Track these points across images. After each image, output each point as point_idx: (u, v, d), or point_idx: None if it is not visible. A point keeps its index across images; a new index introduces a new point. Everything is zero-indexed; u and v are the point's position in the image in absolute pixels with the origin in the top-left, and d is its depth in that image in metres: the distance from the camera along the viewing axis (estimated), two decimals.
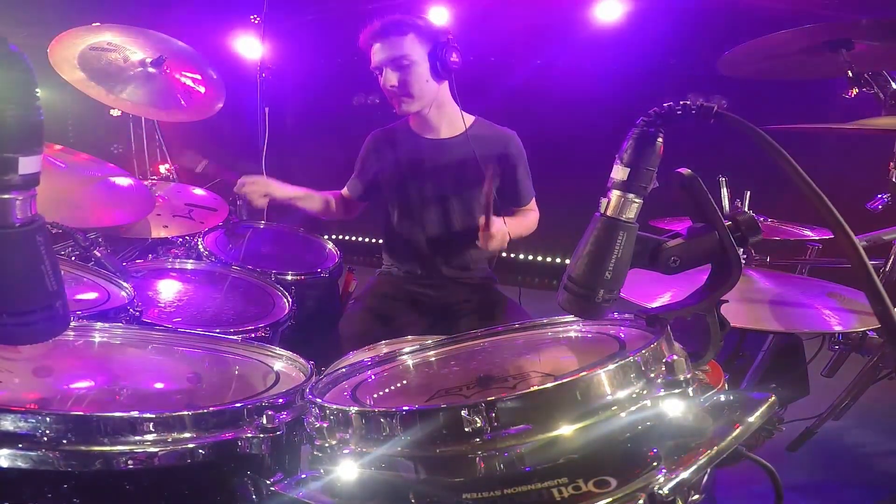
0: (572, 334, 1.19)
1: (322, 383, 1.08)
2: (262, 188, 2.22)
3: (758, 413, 0.83)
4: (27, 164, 0.74)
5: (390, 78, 2.02)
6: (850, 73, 1.80)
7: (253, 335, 1.77)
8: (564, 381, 0.79)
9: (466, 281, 2.26)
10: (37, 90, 0.73)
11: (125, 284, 1.67)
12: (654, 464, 0.75)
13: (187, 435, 0.91)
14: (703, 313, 0.94)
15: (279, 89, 3.75)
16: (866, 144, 2.05)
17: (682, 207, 0.94)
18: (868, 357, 2.10)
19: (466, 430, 0.77)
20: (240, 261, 2.29)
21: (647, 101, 0.91)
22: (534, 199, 2.29)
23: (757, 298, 1.59)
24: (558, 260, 4.87)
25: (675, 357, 0.86)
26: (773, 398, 0.86)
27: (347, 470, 0.83)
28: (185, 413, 0.92)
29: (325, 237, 2.79)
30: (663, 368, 0.86)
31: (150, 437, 0.89)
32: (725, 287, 0.91)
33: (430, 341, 1.25)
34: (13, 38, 0.72)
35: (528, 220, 2.26)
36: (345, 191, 2.45)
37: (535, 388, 0.78)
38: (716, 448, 0.77)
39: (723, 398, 0.89)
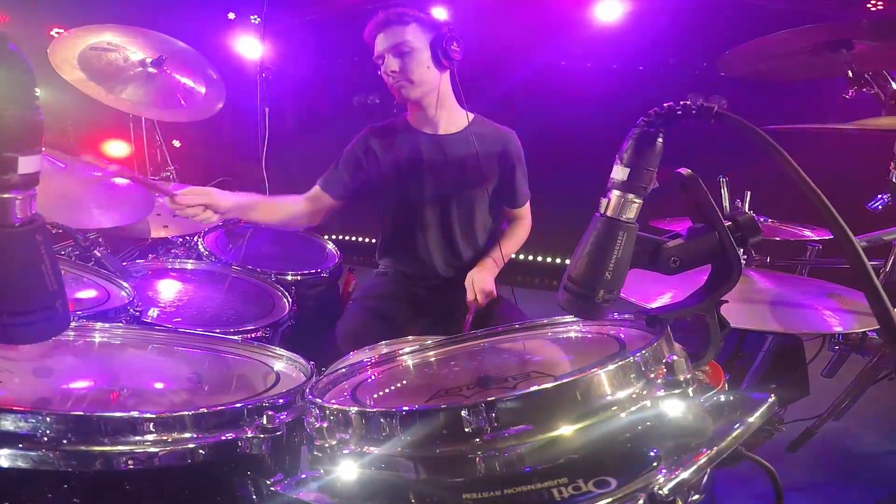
0: (572, 334, 1.19)
1: (322, 383, 1.08)
2: (200, 199, 1.85)
3: (758, 413, 0.83)
4: (26, 164, 0.74)
5: (391, 63, 2.04)
6: (850, 73, 1.80)
7: (253, 335, 1.77)
8: (564, 381, 0.79)
9: (465, 281, 2.25)
10: (36, 90, 0.73)
11: (125, 284, 1.67)
12: (654, 464, 0.75)
13: (187, 435, 0.91)
14: (703, 313, 0.94)
15: (279, 89, 3.76)
16: (866, 144, 2.05)
17: (682, 207, 0.94)
18: (868, 357, 2.10)
19: (466, 430, 0.77)
20: (240, 261, 2.29)
21: (647, 101, 0.91)
22: (528, 202, 2.29)
23: (757, 298, 1.59)
24: (558, 260, 4.87)
25: (675, 357, 0.86)
26: (773, 398, 0.86)
27: (347, 470, 0.83)
28: (185, 413, 0.92)
29: (325, 237, 2.79)
30: (663, 369, 0.86)
31: (150, 437, 0.89)
32: (725, 287, 0.91)
33: (430, 341, 1.25)
34: (13, 38, 0.72)
35: (519, 234, 2.30)
36: (316, 190, 2.22)
37: (535, 388, 0.78)
38: (716, 448, 0.77)
39: (723, 398, 0.89)
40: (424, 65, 2.05)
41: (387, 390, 1.11)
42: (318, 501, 0.81)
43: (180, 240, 2.65)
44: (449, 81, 2.15)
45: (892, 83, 1.84)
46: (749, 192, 1.97)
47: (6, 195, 0.74)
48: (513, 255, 2.29)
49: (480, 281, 2.06)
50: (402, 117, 2.27)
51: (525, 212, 2.30)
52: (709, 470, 0.77)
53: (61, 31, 2.55)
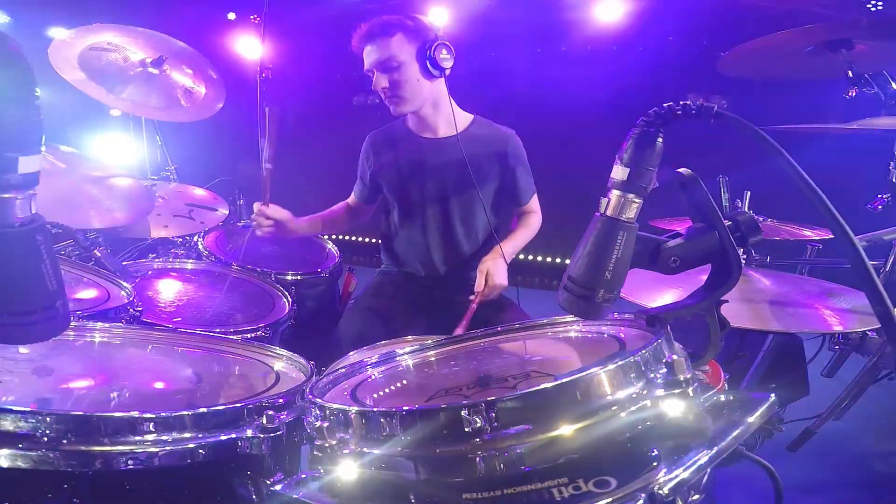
0: (572, 334, 1.19)
1: (322, 383, 1.08)
2: (271, 215, 2.10)
3: (758, 413, 0.83)
4: (27, 164, 0.74)
5: (380, 80, 2.00)
6: (850, 73, 1.81)
7: (253, 335, 1.77)
8: (564, 381, 0.79)
9: (466, 282, 2.25)
10: (36, 90, 0.73)
11: (125, 284, 1.67)
12: (654, 464, 0.75)
13: (187, 435, 0.91)
14: (703, 313, 0.94)
15: (279, 89, 3.75)
16: (866, 144, 2.06)
17: (682, 207, 0.94)
18: (868, 357, 2.10)
19: (466, 430, 0.77)
20: (240, 261, 2.29)
21: (647, 101, 0.91)
22: (535, 196, 2.28)
23: (757, 298, 1.59)
24: (558, 260, 4.87)
25: (675, 357, 0.86)
26: (773, 398, 0.86)
27: (347, 470, 0.83)
28: (185, 413, 0.92)
29: (325, 237, 2.79)
30: (663, 368, 0.86)
31: (150, 437, 0.89)
32: (725, 287, 0.91)
33: (430, 341, 1.25)
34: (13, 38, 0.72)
35: (529, 228, 2.27)
36: (351, 198, 2.41)
37: (535, 388, 0.78)
38: (716, 448, 0.77)
39: (723, 398, 0.89)
40: (414, 78, 2.00)
41: (387, 390, 1.11)
42: (318, 501, 0.81)
43: (180, 240, 2.65)
44: (444, 85, 2.12)
45: (892, 83, 1.84)
46: (749, 192, 1.97)
47: (6, 195, 0.74)
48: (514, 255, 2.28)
49: (496, 273, 1.97)
50: (401, 121, 2.27)
51: (533, 206, 2.30)
52: (709, 470, 0.77)
53: (61, 31, 2.54)
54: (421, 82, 2.03)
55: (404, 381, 1.14)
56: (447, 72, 2.04)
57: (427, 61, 1.98)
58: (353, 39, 2.05)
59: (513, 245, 2.17)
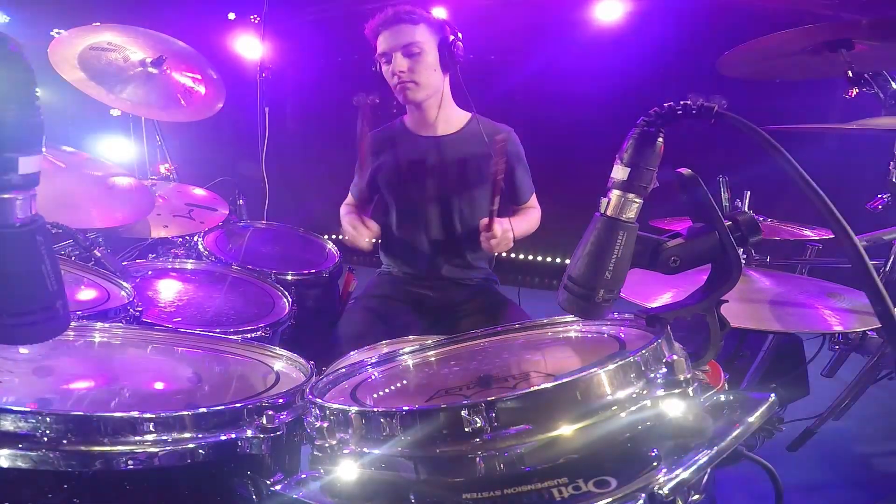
0: (572, 334, 1.19)
1: (322, 383, 1.08)
2: (371, 232, 2.08)
3: (758, 413, 0.83)
4: (27, 164, 0.74)
5: (400, 63, 2.02)
6: (850, 73, 1.80)
7: (253, 335, 1.77)
8: (564, 381, 0.79)
9: (466, 281, 2.25)
10: (37, 90, 0.73)
11: (125, 284, 1.67)
12: (654, 464, 0.75)
13: (187, 435, 0.91)
14: (703, 313, 0.94)
15: (279, 89, 3.76)
16: (866, 144, 2.06)
17: (682, 207, 0.94)
18: (868, 357, 2.10)
19: (466, 430, 0.77)
20: (240, 261, 2.29)
21: (647, 101, 0.91)
22: (534, 195, 2.29)
23: (757, 298, 1.59)
24: (558, 260, 4.87)
25: (675, 357, 0.86)
26: (773, 398, 0.86)
27: (347, 470, 0.83)
28: (185, 413, 0.92)
29: (325, 237, 2.79)
30: (663, 368, 0.86)
31: (150, 437, 0.89)
32: (725, 287, 0.91)
33: (430, 341, 1.25)
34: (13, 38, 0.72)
35: (531, 218, 2.27)
36: (349, 199, 2.41)
37: (535, 388, 0.78)
38: (716, 448, 0.77)
39: (723, 398, 0.89)
40: (432, 67, 2.05)
41: (387, 390, 1.11)
42: (318, 501, 0.81)
43: (180, 240, 2.65)
44: (449, 84, 2.15)
45: (892, 83, 1.84)
46: (749, 192, 1.97)
47: (7, 195, 0.74)
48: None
49: (505, 227, 1.97)
50: (399, 120, 2.27)
51: (532, 203, 2.30)
52: (709, 470, 0.77)
53: (61, 31, 2.54)
54: (437, 72, 2.07)
55: (404, 381, 1.14)
56: (459, 67, 2.09)
57: (447, 53, 2.04)
58: (371, 23, 2.08)
59: (518, 227, 2.09)
